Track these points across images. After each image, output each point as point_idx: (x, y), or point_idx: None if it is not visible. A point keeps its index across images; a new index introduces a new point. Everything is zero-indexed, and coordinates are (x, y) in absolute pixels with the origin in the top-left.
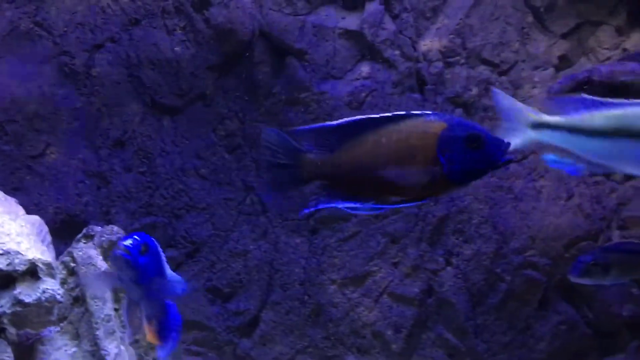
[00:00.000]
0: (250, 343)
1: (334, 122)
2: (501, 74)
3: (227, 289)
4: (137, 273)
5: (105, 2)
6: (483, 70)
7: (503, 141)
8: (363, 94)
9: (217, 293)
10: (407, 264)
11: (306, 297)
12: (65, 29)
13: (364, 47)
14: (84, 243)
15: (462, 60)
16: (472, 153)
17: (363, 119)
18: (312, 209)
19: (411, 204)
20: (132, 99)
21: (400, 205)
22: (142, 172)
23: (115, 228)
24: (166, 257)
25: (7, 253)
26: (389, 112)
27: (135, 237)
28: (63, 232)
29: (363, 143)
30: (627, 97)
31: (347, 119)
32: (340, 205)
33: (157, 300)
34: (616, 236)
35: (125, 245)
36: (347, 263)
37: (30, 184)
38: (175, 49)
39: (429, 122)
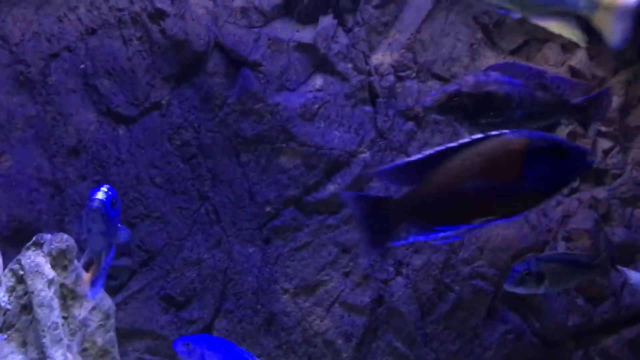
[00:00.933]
0: None
1: (414, 157)
2: None
3: (180, 298)
4: (108, 225)
5: (62, 12)
6: (434, 84)
7: (584, 148)
8: (316, 106)
9: (170, 301)
10: (358, 273)
11: (259, 306)
12: (22, 37)
13: (317, 59)
14: (33, 251)
15: (413, 75)
16: (558, 163)
17: (443, 149)
18: (405, 242)
19: (503, 220)
20: (87, 108)
21: (491, 222)
22: (96, 181)
23: (65, 236)
24: (121, 265)
25: None
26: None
27: (105, 190)
28: (16, 240)
29: (448, 171)
30: (491, 107)
31: (427, 152)
32: (432, 237)
33: (111, 248)
34: (562, 247)
35: (100, 200)
36: (299, 272)
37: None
38: (131, 58)
39: (510, 140)
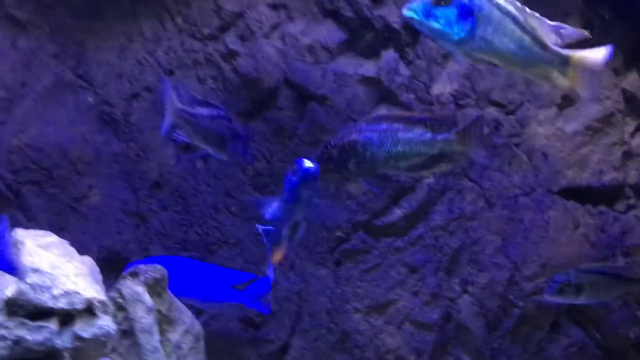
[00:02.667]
0: None
1: None
2: (509, 113)
3: (258, 319)
4: (314, 194)
5: (142, 56)
6: (492, 111)
7: None
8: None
9: (249, 322)
10: (427, 292)
11: (333, 325)
12: (105, 80)
13: (381, 91)
14: (131, 280)
15: (472, 102)
16: None
17: None
18: None
19: None
20: (167, 144)
21: None
22: (177, 211)
23: (159, 266)
24: None
25: (67, 293)
26: None
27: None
28: (105, 268)
29: None
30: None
31: None
32: None
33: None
34: (621, 263)
35: (314, 168)
36: (370, 292)
37: (75, 224)
38: (206, 96)
39: None
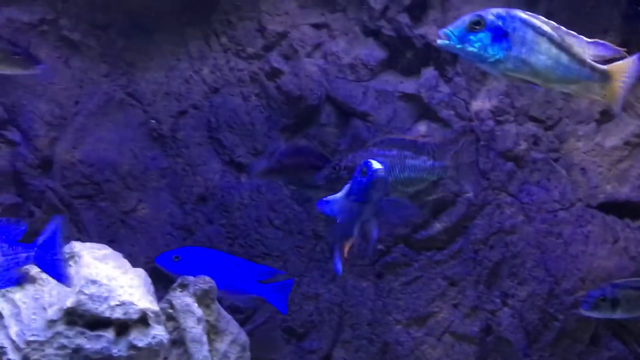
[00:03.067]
0: None
1: None
2: (547, 129)
3: (301, 329)
4: (385, 192)
5: (188, 74)
6: (531, 127)
7: None
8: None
9: (291, 333)
10: (467, 305)
11: (374, 336)
12: (154, 98)
13: (421, 108)
14: (180, 292)
15: (511, 118)
16: None
17: None
18: None
19: None
20: (213, 159)
21: None
22: (222, 224)
23: (207, 278)
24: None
25: (123, 304)
26: None
27: (374, 161)
28: (153, 280)
29: None
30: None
31: None
32: None
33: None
34: None
35: (383, 169)
36: (410, 305)
37: (124, 236)
38: (250, 113)
39: None
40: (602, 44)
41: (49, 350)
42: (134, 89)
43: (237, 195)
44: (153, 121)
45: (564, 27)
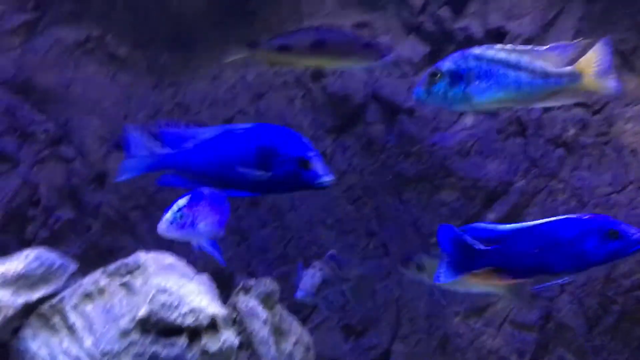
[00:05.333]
0: None
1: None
2: (594, 113)
3: (359, 326)
4: None
5: (233, 81)
6: (578, 112)
7: None
8: (470, 143)
9: (350, 330)
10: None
11: (432, 330)
12: (201, 106)
13: None
14: (244, 295)
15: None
16: None
17: None
18: None
19: None
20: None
21: None
22: (275, 227)
23: (269, 280)
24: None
25: (193, 310)
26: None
27: None
28: None
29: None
30: None
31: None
32: None
33: None
34: None
35: None
36: (467, 296)
37: (179, 244)
38: (296, 115)
39: None
40: (560, 46)
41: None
42: (181, 99)
43: (289, 197)
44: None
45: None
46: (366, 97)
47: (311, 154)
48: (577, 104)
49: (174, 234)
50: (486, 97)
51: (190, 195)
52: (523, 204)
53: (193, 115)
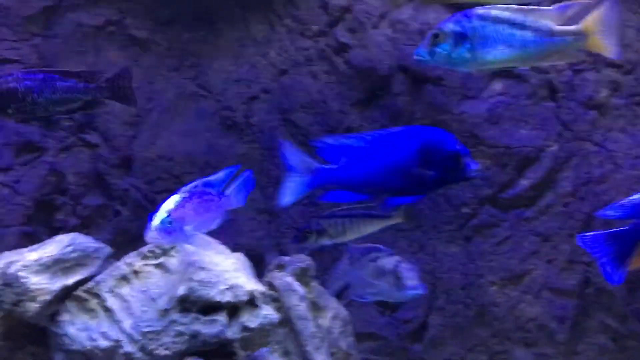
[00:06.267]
0: (422, 347)
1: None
2: (626, 73)
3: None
4: None
5: (255, 59)
6: (609, 72)
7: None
8: (500, 109)
9: (385, 305)
10: (562, 259)
11: (469, 300)
12: (224, 86)
13: None
14: (278, 272)
15: (589, 66)
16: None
17: None
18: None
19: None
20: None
21: None
22: (305, 204)
23: (303, 256)
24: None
25: (231, 287)
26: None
27: None
28: None
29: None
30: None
31: None
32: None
33: None
34: None
35: None
36: (503, 265)
37: None
38: (321, 91)
39: None
40: (565, 5)
41: (166, 339)
42: (204, 80)
43: None
44: (225, 110)
45: None
46: (391, 68)
47: (462, 147)
48: (609, 65)
49: (162, 241)
50: (491, 56)
51: (177, 195)
52: (557, 169)
53: (216, 95)
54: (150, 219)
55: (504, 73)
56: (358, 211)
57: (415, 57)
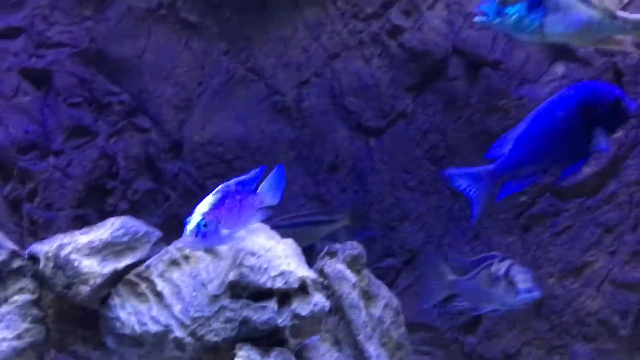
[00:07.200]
0: (476, 339)
1: None
2: None
3: None
4: None
5: (307, 42)
6: None
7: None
8: None
9: None
10: (625, 251)
11: None
12: (274, 70)
13: (555, 49)
14: (329, 259)
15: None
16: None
17: None
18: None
19: None
20: (339, 126)
21: None
22: (356, 191)
23: (355, 243)
24: (385, 266)
25: (282, 273)
26: None
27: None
28: None
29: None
30: None
31: None
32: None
33: None
34: None
35: None
36: (563, 256)
37: None
38: (374, 74)
39: None
40: None
41: (216, 325)
42: (254, 63)
43: (368, 160)
44: (276, 95)
45: None
46: (447, 52)
47: (619, 91)
48: None
49: (198, 245)
50: (558, 30)
51: (210, 197)
52: (622, 156)
53: (267, 79)
54: (185, 223)
55: (566, 56)
56: (301, 219)
57: (476, 16)
